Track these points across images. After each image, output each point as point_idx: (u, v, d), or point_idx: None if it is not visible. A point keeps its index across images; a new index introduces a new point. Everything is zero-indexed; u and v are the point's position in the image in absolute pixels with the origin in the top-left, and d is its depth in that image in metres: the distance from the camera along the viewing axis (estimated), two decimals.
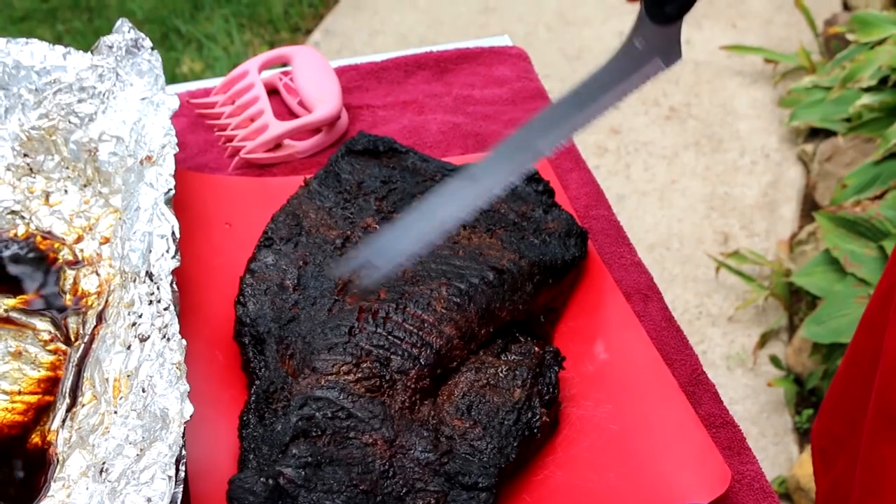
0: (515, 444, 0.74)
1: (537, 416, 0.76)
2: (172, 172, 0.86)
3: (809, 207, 2.42)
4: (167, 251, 0.81)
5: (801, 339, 2.03)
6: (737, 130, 2.71)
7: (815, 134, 2.59)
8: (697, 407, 0.81)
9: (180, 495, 0.67)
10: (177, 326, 0.75)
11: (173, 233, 0.82)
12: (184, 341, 0.74)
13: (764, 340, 2.12)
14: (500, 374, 0.78)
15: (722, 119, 2.74)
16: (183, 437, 0.69)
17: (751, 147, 2.65)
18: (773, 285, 2.19)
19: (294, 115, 1.11)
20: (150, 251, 0.81)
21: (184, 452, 0.69)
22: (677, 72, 2.88)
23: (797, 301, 2.17)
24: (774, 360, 2.06)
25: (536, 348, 0.80)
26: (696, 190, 2.52)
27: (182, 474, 0.68)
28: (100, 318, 0.85)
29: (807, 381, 2.00)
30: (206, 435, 0.79)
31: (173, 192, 0.85)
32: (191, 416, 0.70)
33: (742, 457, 0.79)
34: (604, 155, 2.59)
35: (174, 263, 0.80)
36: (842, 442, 1.02)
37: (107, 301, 0.87)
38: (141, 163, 0.90)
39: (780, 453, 1.93)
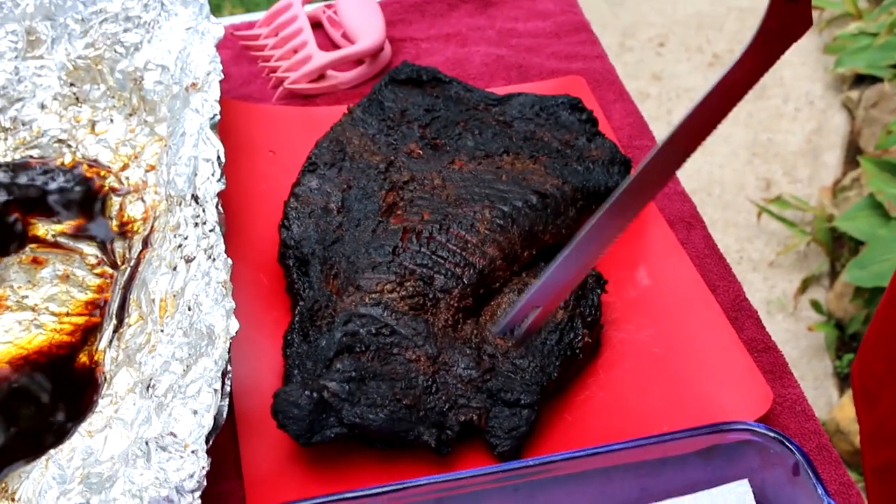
0: (557, 364, 0.75)
1: (579, 337, 0.76)
2: (218, 98, 0.87)
3: (853, 154, 2.39)
4: (213, 174, 0.81)
5: (843, 284, 2.02)
6: (781, 77, 2.68)
7: (861, 80, 2.56)
8: (740, 332, 0.81)
9: (226, 408, 0.68)
10: (222, 247, 0.76)
11: (219, 157, 0.82)
12: (229, 261, 0.75)
13: (805, 286, 2.11)
14: None
15: None
16: (228, 352, 0.70)
17: (795, 94, 2.63)
18: (815, 231, 2.17)
19: (337, 47, 1.11)
20: (196, 174, 0.82)
21: (229, 367, 0.69)
22: (721, 18, 2.86)
23: (839, 247, 2.16)
24: (815, 305, 2.05)
25: None
26: (739, 136, 2.49)
27: (228, 388, 0.69)
28: (145, 242, 0.86)
29: (848, 326, 1.99)
30: (251, 355, 0.80)
31: (219, 117, 0.85)
32: (236, 332, 0.70)
33: (784, 380, 0.79)
34: (645, 101, 2.57)
35: (220, 186, 0.80)
36: (884, 381, 1.02)
37: (152, 227, 0.88)
38: (186, 90, 0.90)
39: (819, 397, 1.93)
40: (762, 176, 2.39)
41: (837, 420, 1.82)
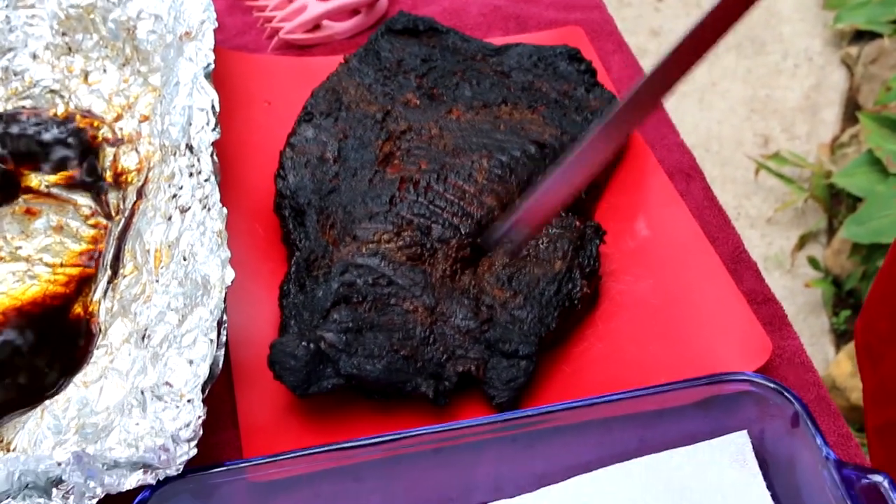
0: (556, 315, 0.74)
1: (578, 288, 0.75)
2: (212, 47, 0.86)
3: (852, 111, 2.38)
4: (207, 124, 0.80)
5: (841, 241, 2.01)
6: (780, 33, 2.66)
7: (860, 37, 2.54)
8: (739, 283, 0.81)
9: (222, 358, 0.68)
10: (217, 196, 0.75)
11: (213, 106, 0.81)
12: (224, 210, 0.74)
13: (802, 242, 2.10)
14: (541, 247, 0.77)
15: (765, 21, 2.69)
16: (224, 301, 0.69)
17: (794, 50, 2.61)
18: (813, 187, 2.17)
19: None
20: (191, 124, 0.81)
21: (225, 317, 0.69)
22: None
23: (837, 203, 2.15)
24: (813, 262, 2.05)
25: (577, 222, 0.80)
26: (737, 92, 2.48)
27: (223, 338, 0.68)
28: (140, 193, 0.86)
29: (845, 283, 1.99)
30: (247, 306, 0.79)
31: (213, 66, 0.84)
32: (232, 282, 0.70)
33: (783, 332, 0.79)
34: (644, 56, 2.54)
35: (214, 136, 0.80)
36: (888, 339, 1.01)
37: (146, 177, 0.87)
38: (180, 39, 0.89)
39: (816, 353, 1.93)
40: (760, 132, 2.38)
41: (834, 376, 1.82)
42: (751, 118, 2.41)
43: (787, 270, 2.07)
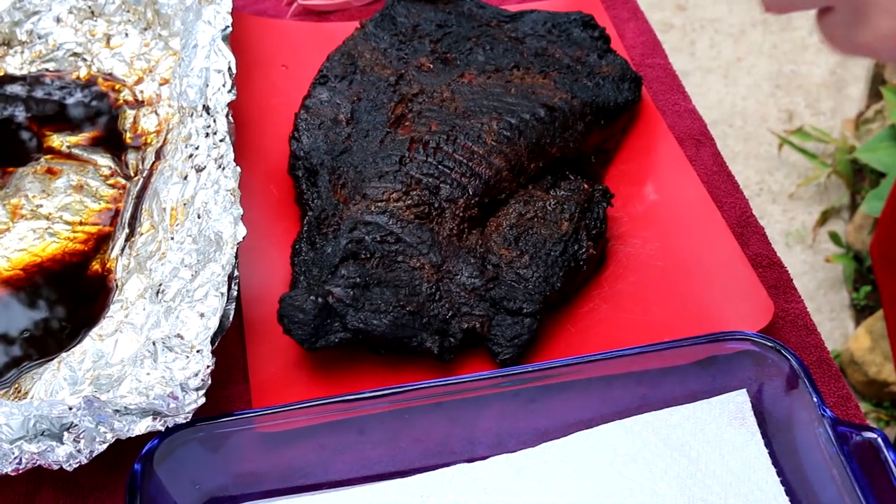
0: (561, 275, 0.75)
1: (584, 249, 0.77)
2: (230, 10, 0.87)
3: (878, 87, 2.37)
4: (223, 85, 0.82)
5: (862, 217, 2.01)
6: None
7: None
8: (745, 247, 0.82)
9: (232, 312, 0.69)
10: (232, 156, 0.77)
11: (230, 68, 0.83)
12: (238, 169, 0.76)
13: (825, 218, 2.10)
14: (549, 208, 0.78)
15: None
16: (236, 257, 0.71)
17: None
18: (836, 162, 2.16)
19: None
20: (207, 85, 0.83)
21: (236, 272, 0.71)
22: None
23: (860, 179, 2.14)
24: (834, 237, 2.04)
25: (585, 185, 0.81)
26: (762, 68, 2.47)
27: (234, 292, 0.70)
28: (158, 154, 0.87)
29: (866, 259, 1.98)
30: (260, 265, 0.81)
31: (230, 29, 0.86)
32: (244, 238, 0.71)
33: (787, 295, 0.80)
34: (669, 31, 2.55)
35: (230, 97, 0.81)
36: None
37: (165, 139, 0.89)
38: (199, 2, 0.91)
39: (835, 329, 1.93)
40: (784, 108, 2.37)
41: (852, 351, 1.82)
42: (775, 94, 2.40)
43: (808, 245, 2.07)
